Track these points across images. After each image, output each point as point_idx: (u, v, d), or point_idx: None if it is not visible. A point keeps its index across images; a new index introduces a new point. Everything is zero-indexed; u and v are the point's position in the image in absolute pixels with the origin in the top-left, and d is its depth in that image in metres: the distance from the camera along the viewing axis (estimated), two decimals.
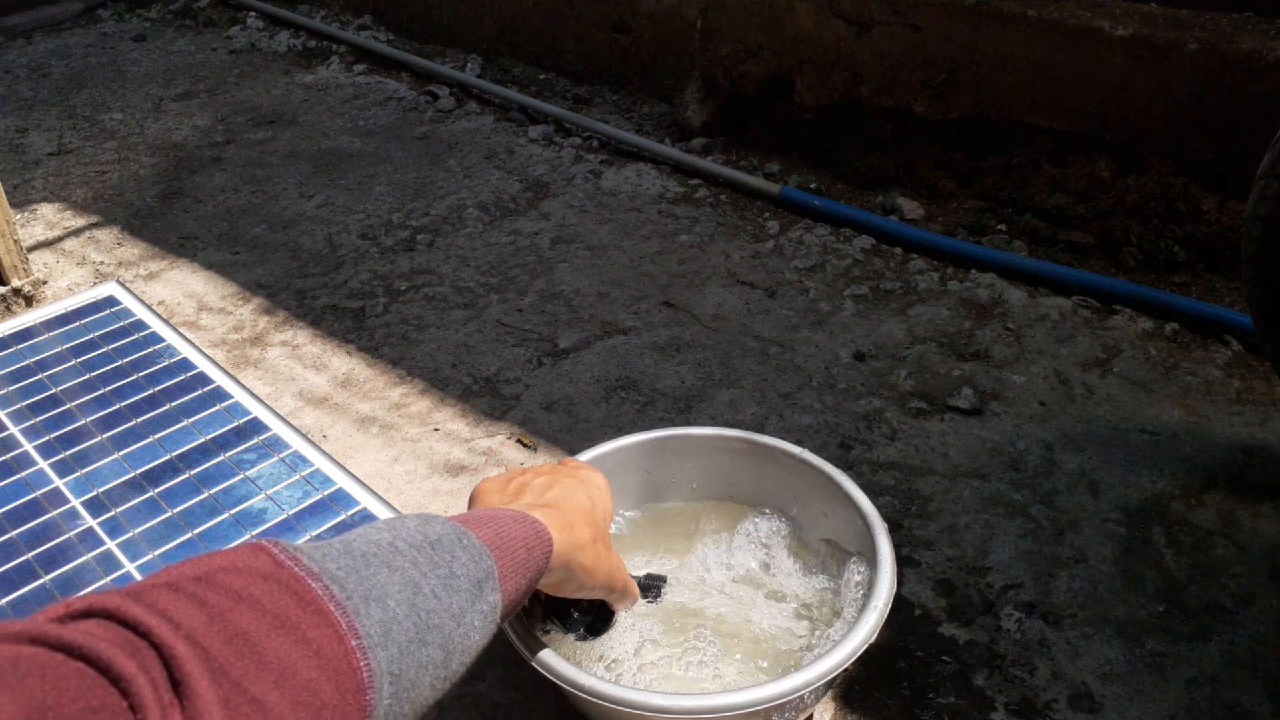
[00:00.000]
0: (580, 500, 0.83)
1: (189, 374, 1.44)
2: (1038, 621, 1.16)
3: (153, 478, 1.25)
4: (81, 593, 1.09)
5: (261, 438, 1.32)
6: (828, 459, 1.12)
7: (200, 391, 1.40)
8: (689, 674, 0.99)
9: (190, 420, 1.35)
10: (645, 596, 0.99)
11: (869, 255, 1.94)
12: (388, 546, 0.58)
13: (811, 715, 1.05)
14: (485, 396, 1.58)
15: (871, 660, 1.12)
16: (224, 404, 1.38)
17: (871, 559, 0.99)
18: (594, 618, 0.92)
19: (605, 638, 0.95)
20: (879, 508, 1.04)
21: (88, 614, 0.42)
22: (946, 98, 2.00)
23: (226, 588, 0.47)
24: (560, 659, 0.87)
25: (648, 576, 1.02)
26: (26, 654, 0.38)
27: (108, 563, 1.13)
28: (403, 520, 0.63)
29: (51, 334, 1.51)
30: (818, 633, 1.03)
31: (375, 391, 1.60)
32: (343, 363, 1.67)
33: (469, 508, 0.84)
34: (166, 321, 1.56)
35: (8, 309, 1.78)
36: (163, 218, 2.17)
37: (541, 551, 0.73)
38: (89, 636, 0.39)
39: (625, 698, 0.84)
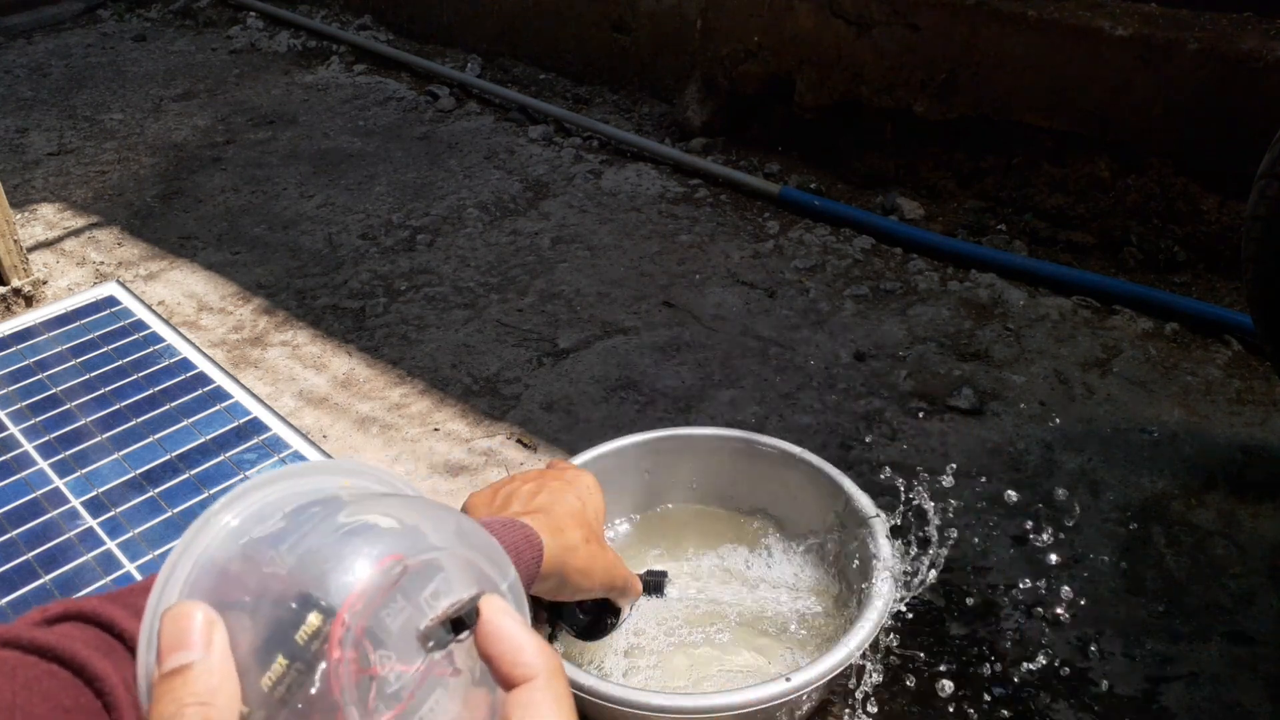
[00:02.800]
0: (570, 503, 0.83)
1: (189, 374, 1.44)
2: (1038, 622, 1.16)
3: (153, 478, 1.25)
4: (82, 593, 1.09)
5: (261, 438, 1.32)
6: (828, 459, 1.12)
7: (200, 391, 1.40)
8: (697, 672, 0.99)
9: (190, 420, 1.35)
10: (649, 593, 0.99)
11: (869, 255, 1.94)
12: None
13: (811, 715, 1.05)
14: (485, 396, 1.58)
15: (871, 660, 1.12)
16: (224, 404, 1.38)
17: (871, 559, 0.99)
18: (598, 616, 0.91)
19: (610, 635, 0.95)
20: (879, 508, 1.04)
21: (64, 617, 0.42)
22: (946, 98, 2.00)
23: None
24: (561, 659, 0.87)
25: (649, 572, 1.01)
26: None
27: (108, 563, 1.13)
28: None
29: (51, 334, 1.51)
30: (822, 622, 1.03)
31: (375, 391, 1.60)
32: (343, 363, 1.67)
33: None
34: (166, 321, 1.56)
35: (8, 309, 1.78)
36: (163, 218, 2.17)
37: (531, 556, 0.72)
38: (64, 638, 0.39)
39: (625, 697, 0.84)
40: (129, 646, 0.41)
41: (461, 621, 0.36)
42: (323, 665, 0.34)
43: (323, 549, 0.36)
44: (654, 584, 1.01)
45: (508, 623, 0.37)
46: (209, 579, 0.37)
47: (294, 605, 0.34)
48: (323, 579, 0.35)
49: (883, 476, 1.39)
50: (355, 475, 0.43)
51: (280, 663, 0.34)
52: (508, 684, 0.36)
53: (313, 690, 0.34)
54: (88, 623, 0.42)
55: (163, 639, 0.34)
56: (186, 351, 1.48)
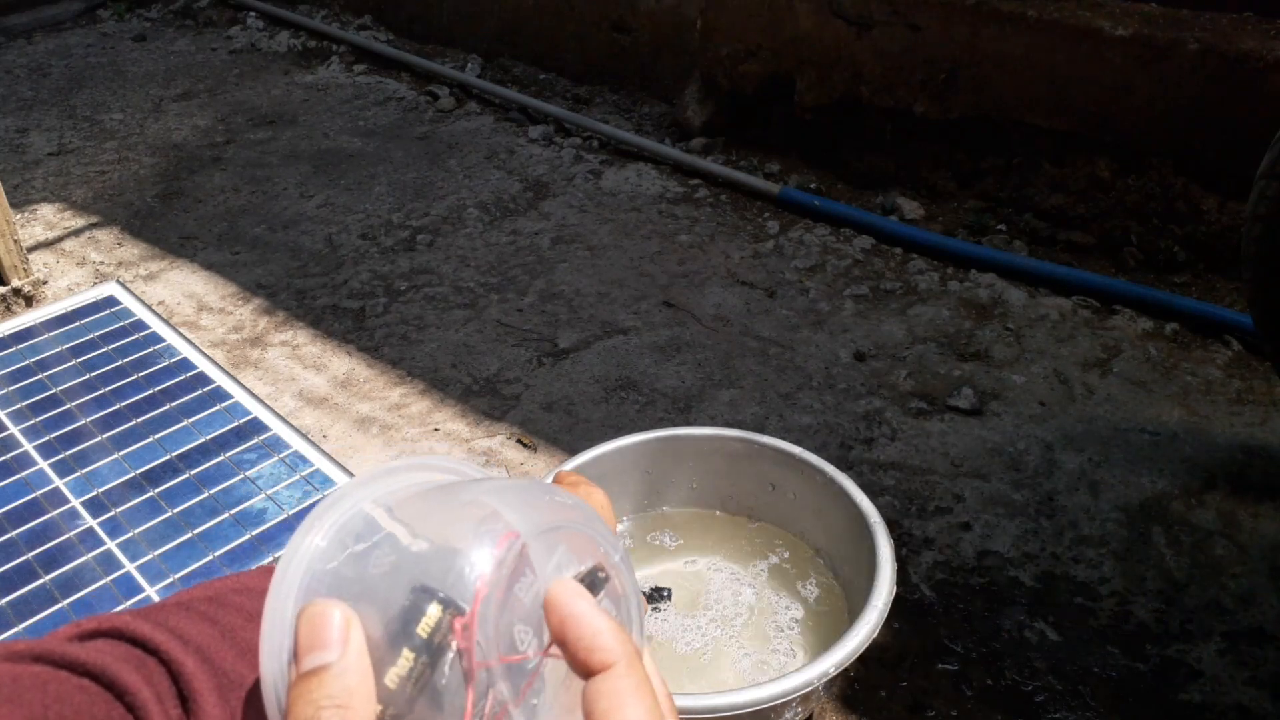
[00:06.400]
0: None
1: (189, 374, 1.44)
2: (1038, 622, 1.16)
3: (153, 478, 1.25)
4: (82, 593, 1.09)
5: (261, 438, 1.32)
6: (828, 459, 1.11)
7: (200, 391, 1.40)
8: (696, 673, 0.99)
9: (190, 420, 1.35)
10: (650, 602, 0.99)
11: (869, 255, 1.94)
12: None
13: (812, 714, 1.05)
14: (485, 396, 1.58)
15: (871, 660, 1.12)
16: (224, 404, 1.38)
17: (871, 559, 0.99)
18: None
19: None
20: (879, 508, 1.04)
21: (96, 634, 0.42)
22: (946, 98, 2.00)
23: (239, 608, 0.47)
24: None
25: (653, 589, 1.01)
26: (29, 671, 0.38)
27: (108, 563, 1.13)
28: None
29: (51, 334, 1.51)
30: (812, 629, 1.03)
31: (375, 392, 1.60)
32: (343, 363, 1.67)
33: None
34: (166, 321, 1.56)
35: (8, 309, 1.78)
36: (163, 218, 2.17)
37: None
38: (95, 653, 0.39)
39: None
40: (161, 661, 0.41)
41: None
42: (449, 655, 0.33)
43: (432, 540, 0.35)
44: (656, 602, 1.01)
45: (581, 605, 0.35)
46: (325, 579, 0.36)
47: (411, 599, 0.34)
48: (437, 568, 0.34)
49: (883, 476, 1.39)
50: (446, 472, 0.42)
51: (406, 657, 0.33)
52: (584, 672, 0.34)
53: (442, 681, 0.33)
54: (119, 638, 0.42)
55: (300, 640, 0.33)
56: (186, 351, 1.48)
